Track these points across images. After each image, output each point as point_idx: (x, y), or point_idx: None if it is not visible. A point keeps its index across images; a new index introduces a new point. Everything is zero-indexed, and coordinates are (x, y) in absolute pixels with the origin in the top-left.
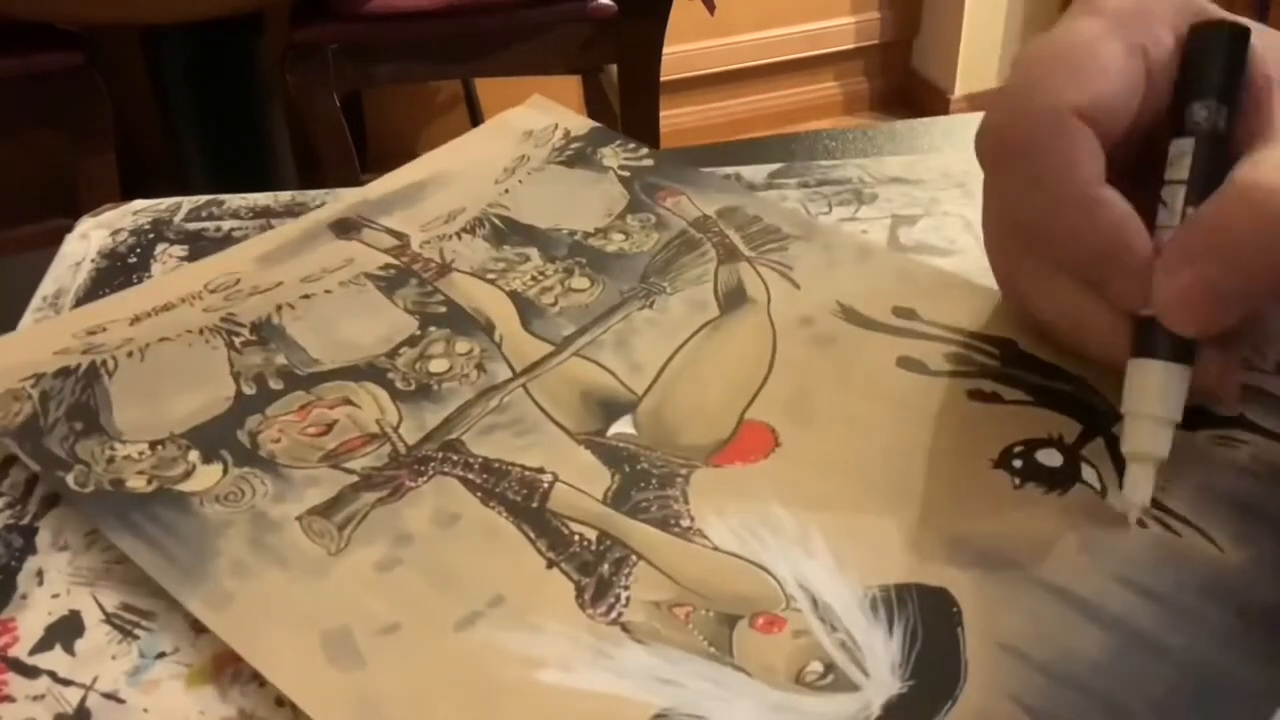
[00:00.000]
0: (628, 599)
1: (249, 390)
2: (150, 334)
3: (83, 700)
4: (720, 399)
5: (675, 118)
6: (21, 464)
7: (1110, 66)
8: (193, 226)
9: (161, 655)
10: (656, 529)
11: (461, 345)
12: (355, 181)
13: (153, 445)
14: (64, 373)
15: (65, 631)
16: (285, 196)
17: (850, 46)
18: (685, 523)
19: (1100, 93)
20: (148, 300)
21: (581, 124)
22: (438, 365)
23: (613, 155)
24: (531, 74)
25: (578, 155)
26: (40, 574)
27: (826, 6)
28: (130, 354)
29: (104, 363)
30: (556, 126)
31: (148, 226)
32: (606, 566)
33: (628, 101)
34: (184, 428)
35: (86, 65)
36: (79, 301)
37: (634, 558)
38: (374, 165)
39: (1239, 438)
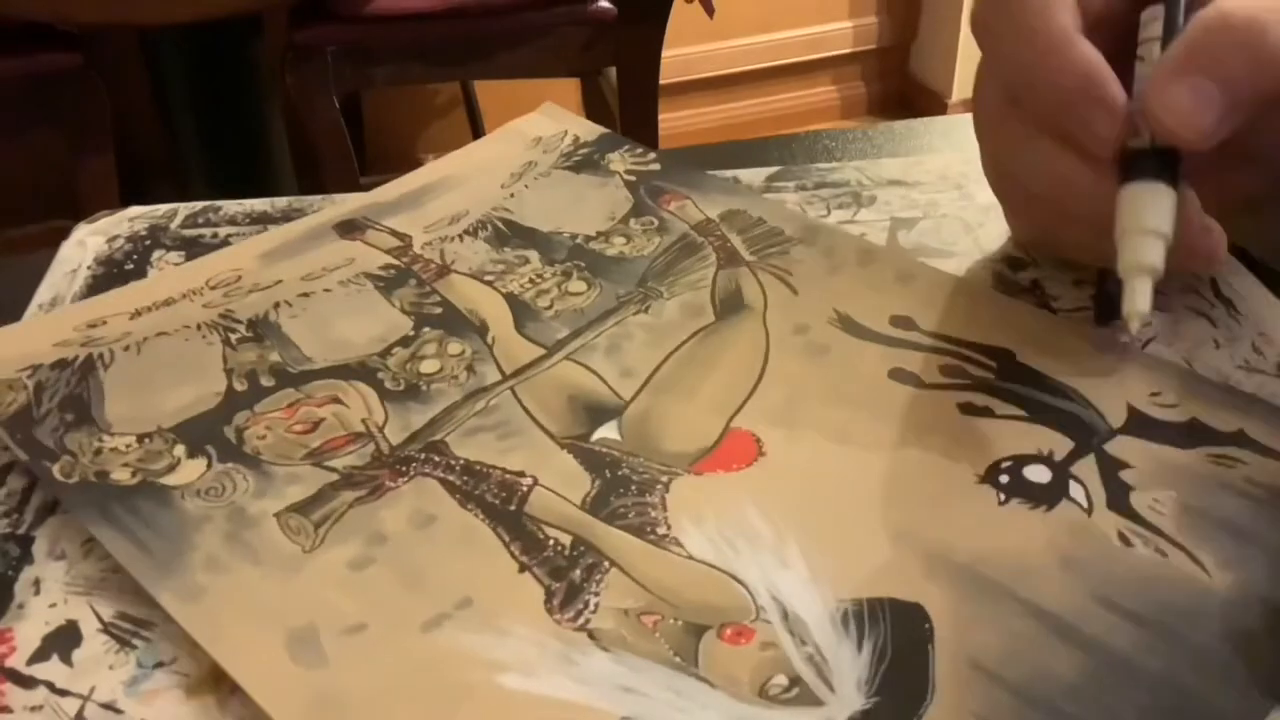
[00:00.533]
0: (596, 605)
1: (240, 387)
2: (149, 328)
3: (80, 710)
4: (707, 406)
5: (674, 121)
6: (19, 472)
7: None
8: (189, 233)
9: (160, 665)
10: (632, 536)
11: (454, 347)
12: (354, 184)
13: (140, 438)
14: (61, 364)
15: (63, 641)
16: (282, 202)
17: (848, 51)
18: (661, 530)
19: None
20: (149, 295)
21: (591, 130)
22: (429, 366)
23: (620, 160)
24: (530, 76)
25: (585, 160)
26: (37, 583)
27: (825, 11)
28: (127, 348)
29: (100, 356)
30: (566, 133)
31: (144, 233)
32: (578, 572)
33: (627, 104)
34: (172, 422)
35: (86, 66)
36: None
37: (607, 564)
38: (373, 167)
39: (1237, 457)
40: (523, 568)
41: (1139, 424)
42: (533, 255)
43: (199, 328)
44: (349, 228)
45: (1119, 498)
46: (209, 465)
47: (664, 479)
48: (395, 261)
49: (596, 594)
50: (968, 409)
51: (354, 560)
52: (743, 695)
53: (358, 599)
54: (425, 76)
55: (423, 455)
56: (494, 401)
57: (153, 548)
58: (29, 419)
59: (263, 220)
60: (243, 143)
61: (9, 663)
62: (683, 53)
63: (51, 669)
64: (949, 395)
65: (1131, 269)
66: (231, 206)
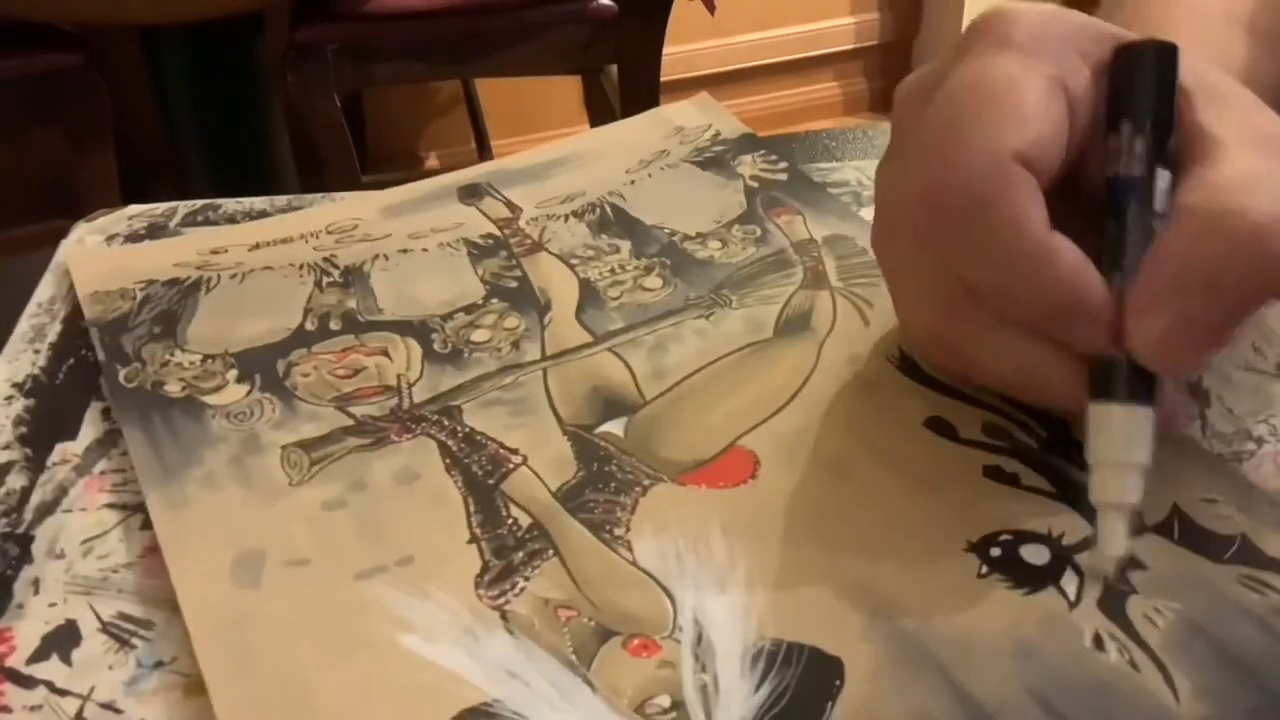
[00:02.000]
0: (522, 590)
1: (310, 326)
2: (259, 262)
3: (80, 710)
4: (721, 421)
5: None
6: (17, 471)
7: (1038, 105)
8: (188, 231)
9: (159, 664)
10: (588, 531)
11: (510, 321)
12: (356, 182)
13: (205, 358)
14: (173, 283)
15: (62, 641)
16: (281, 201)
17: (850, 47)
18: (619, 531)
19: (1036, 134)
20: (272, 232)
21: (735, 128)
22: (479, 335)
23: (750, 164)
24: (532, 74)
25: (715, 159)
26: (36, 583)
27: (826, 7)
28: (234, 276)
29: (208, 280)
30: (709, 127)
31: (143, 231)
32: (520, 555)
33: (628, 102)
34: (237, 349)
35: (87, 65)
36: (74, 308)
37: (551, 552)
38: (374, 166)
39: (1273, 585)
40: (472, 539)
41: (1178, 527)
42: (625, 246)
43: (301, 268)
44: (470, 192)
45: (1114, 599)
46: (249, 391)
47: (645, 483)
48: (497, 232)
49: (527, 579)
50: (992, 473)
51: (328, 501)
52: (619, 707)
53: (313, 537)
54: (426, 75)
55: (434, 416)
56: (523, 379)
57: (166, 455)
58: (123, 325)
59: (261, 219)
60: (244, 141)
61: (8, 662)
62: (684, 50)
63: (51, 669)
64: (979, 455)
65: (1108, 508)
66: (231, 205)
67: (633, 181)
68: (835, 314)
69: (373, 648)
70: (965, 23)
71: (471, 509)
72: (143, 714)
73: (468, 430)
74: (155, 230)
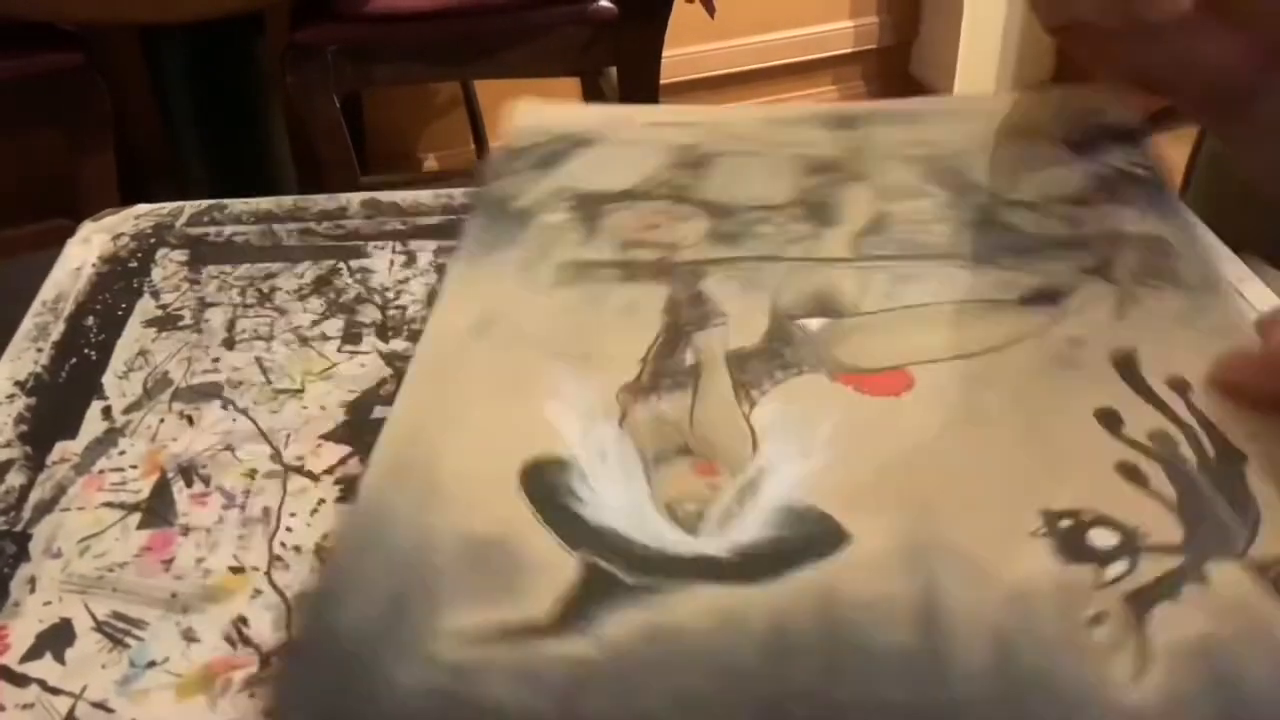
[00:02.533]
0: (648, 400)
1: (645, 189)
2: (646, 136)
3: (71, 709)
4: (904, 347)
5: None
6: (17, 469)
7: None
8: (194, 231)
9: (152, 664)
10: (730, 385)
11: (798, 226)
12: (355, 183)
13: (561, 189)
14: (574, 136)
15: (56, 640)
16: (288, 201)
17: (849, 51)
18: (755, 393)
19: None
20: (669, 116)
21: (1123, 119)
22: (763, 228)
23: (1119, 156)
24: (531, 76)
25: (1085, 141)
26: (32, 581)
27: (826, 10)
28: (621, 141)
29: (602, 139)
30: (1097, 112)
31: (149, 231)
32: (668, 381)
33: (627, 103)
34: (584, 189)
35: (86, 65)
36: (79, 306)
37: (690, 388)
38: (373, 166)
39: None
40: (643, 359)
41: None
42: (941, 196)
43: (671, 146)
44: (844, 122)
45: (1143, 604)
46: (568, 219)
47: (805, 368)
48: (838, 157)
49: (659, 398)
50: (1125, 469)
51: (563, 305)
52: (654, 504)
53: (540, 322)
54: (426, 76)
55: (684, 272)
56: (771, 267)
57: (486, 241)
58: (519, 155)
59: (268, 219)
60: (243, 142)
61: (2, 660)
62: (684, 52)
63: (44, 667)
64: (1125, 451)
65: None
66: (237, 205)
67: (992, 146)
68: (1093, 299)
69: (526, 400)
70: (964, 28)
71: (659, 341)
72: (134, 714)
73: (699, 290)
74: (161, 230)
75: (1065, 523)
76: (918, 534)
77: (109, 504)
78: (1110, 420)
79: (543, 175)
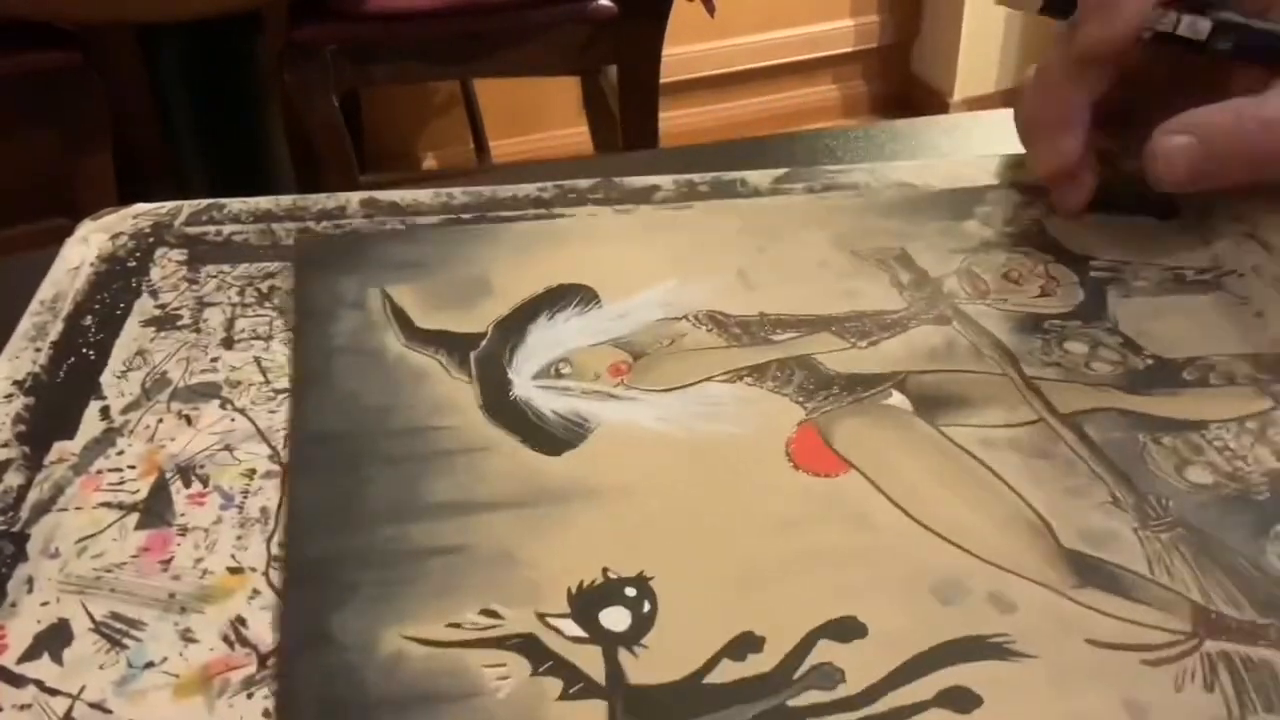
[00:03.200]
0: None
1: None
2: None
3: (69, 710)
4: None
5: (674, 119)
6: (14, 469)
7: None
8: (193, 230)
9: (150, 665)
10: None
11: (1104, 364)
12: (353, 183)
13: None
14: None
15: (54, 640)
16: (286, 201)
17: (850, 49)
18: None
19: None
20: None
21: None
22: (1075, 346)
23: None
24: (531, 75)
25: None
26: (30, 581)
27: (826, 9)
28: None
29: None
30: None
31: (148, 230)
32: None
33: (627, 103)
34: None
35: (84, 64)
36: (77, 306)
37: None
38: (372, 166)
39: None
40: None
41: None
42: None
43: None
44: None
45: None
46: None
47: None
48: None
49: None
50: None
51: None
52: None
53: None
54: (425, 75)
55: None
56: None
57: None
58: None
59: (267, 219)
60: (241, 141)
61: (0, 660)
62: (683, 51)
63: (41, 668)
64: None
65: None
66: (235, 204)
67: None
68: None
69: None
70: (964, 27)
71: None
72: (131, 714)
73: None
74: (160, 229)
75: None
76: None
77: (107, 504)
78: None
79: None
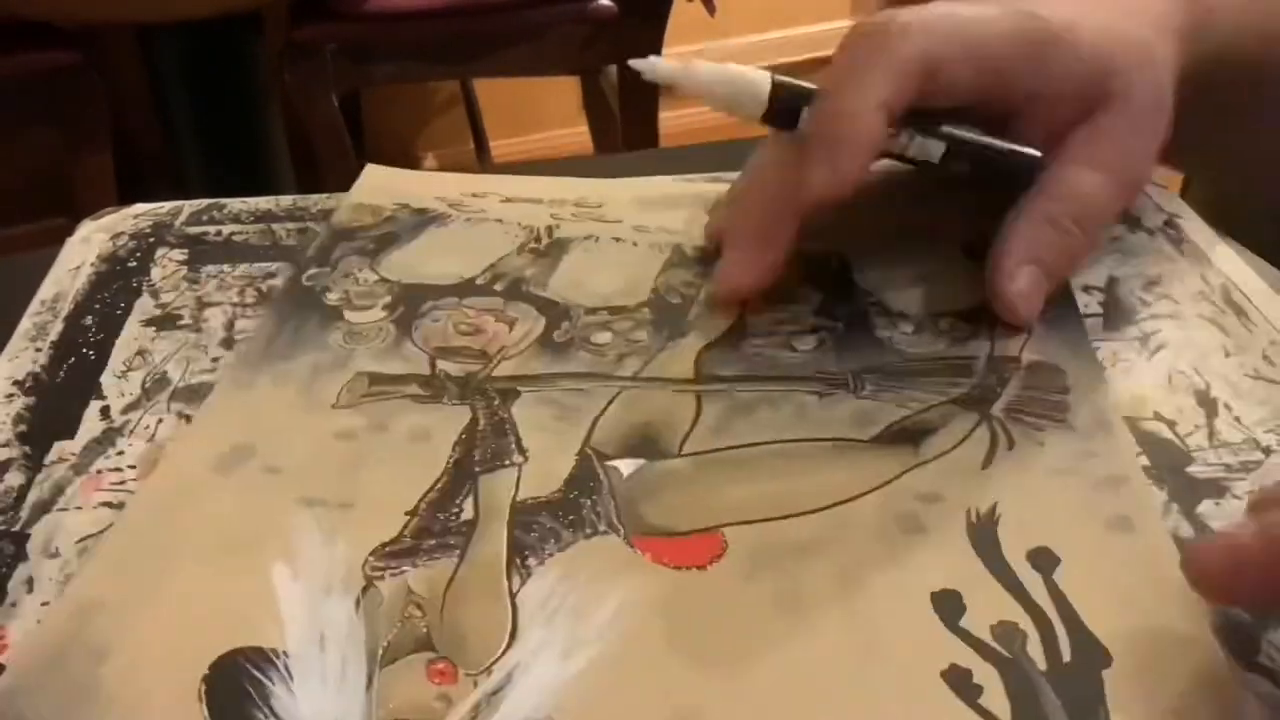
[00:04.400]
0: (400, 573)
1: (482, 280)
2: (499, 213)
3: None
4: (724, 502)
5: (674, 119)
6: (15, 469)
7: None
8: (194, 230)
9: None
10: (509, 550)
11: (639, 335)
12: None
13: (380, 280)
14: (421, 212)
15: None
16: (286, 201)
17: None
18: (532, 561)
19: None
20: (530, 190)
21: None
22: (601, 337)
23: None
24: (530, 75)
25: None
26: (31, 582)
27: (826, 9)
28: (469, 220)
29: (449, 218)
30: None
31: (148, 230)
32: (431, 543)
33: (627, 102)
34: (410, 280)
35: (84, 64)
36: (77, 306)
37: (458, 553)
38: None
39: None
40: (412, 512)
41: None
42: (815, 299)
43: (523, 227)
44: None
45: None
46: (385, 315)
47: (601, 528)
48: (710, 249)
49: (415, 566)
50: (954, 678)
51: (343, 430)
52: (365, 710)
53: (302, 455)
54: (425, 75)
55: (491, 393)
56: (595, 390)
57: (273, 347)
58: (350, 236)
59: (267, 218)
60: (241, 141)
61: (1, 660)
62: (683, 51)
63: None
64: (959, 651)
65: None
66: (235, 204)
67: (883, 244)
68: (962, 442)
69: (248, 560)
70: None
71: (436, 485)
72: None
73: (504, 416)
74: (160, 229)
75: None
76: None
77: (107, 504)
78: (949, 607)
79: (368, 262)
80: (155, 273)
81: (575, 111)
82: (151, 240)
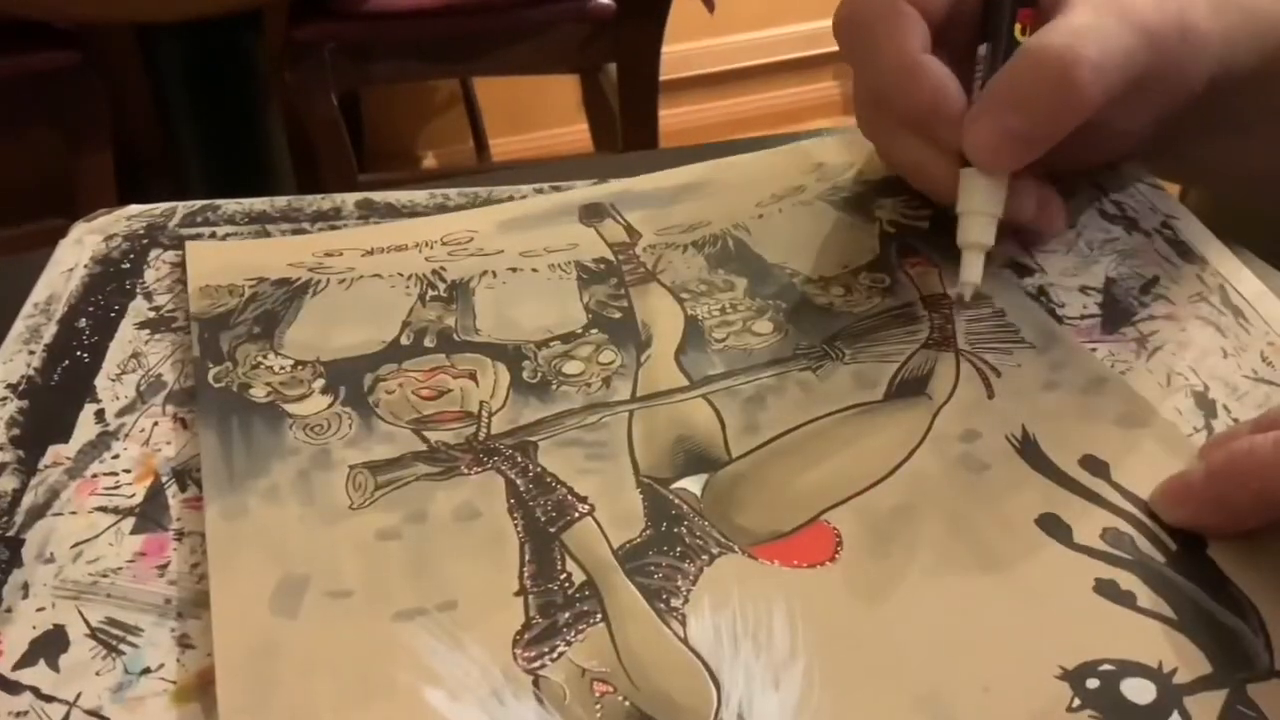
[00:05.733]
0: (560, 654)
1: (405, 341)
2: (370, 269)
3: (65, 717)
4: (807, 491)
5: (674, 117)
6: (9, 474)
7: None
8: (187, 231)
9: (146, 671)
10: (643, 598)
11: (607, 355)
12: (352, 182)
13: (296, 364)
14: (283, 283)
15: (50, 646)
16: (281, 201)
17: None
18: (676, 602)
19: None
20: (388, 237)
21: (879, 169)
22: (572, 367)
23: (889, 208)
24: (530, 73)
25: (853, 199)
26: (25, 587)
27: (826, 5)
28: (342, 281)
29: (317, 283)
30: (852, 165)
31: (142, 231)
32: (567, 615)
33: (627, 101)
34: (329, 357)
35: (84, 64)
36: (71, 308)
37: (598, 617)
38: (371, 165)
39: None
40: (521, 591)
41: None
42: (741, 284)
43: (409, 278)
44: (591, 212)
45: None
46: (331, 404)
47: (715, 550)
48: (611, 257)
49: (569, 644)
50: (1106, 588)
51: (384, 530)
52: None
53: (361, 568)
54: (424, 74)
55: (508, 451)
56: (607, 419)
57: (235, 462)
58: (225, 323)
59: (261, 219)
60: (241, 140)
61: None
62: (683, 48)
63: (38, 674)
64: (1093, 565)
65: (965, 244)
66: (230, 205)
67: (761, 216)
68: (957, 380)
69: (394, 698)
70: None
71: (526, 558)
72: None
73: (539, 470)
74: (154, 230)
75: (1092, 683)
76: None
77: (102, 508)
78: (1058, 529)
79: (267, 344)
80: (149, 275)
81: (575, 110)
82: (145, 242)
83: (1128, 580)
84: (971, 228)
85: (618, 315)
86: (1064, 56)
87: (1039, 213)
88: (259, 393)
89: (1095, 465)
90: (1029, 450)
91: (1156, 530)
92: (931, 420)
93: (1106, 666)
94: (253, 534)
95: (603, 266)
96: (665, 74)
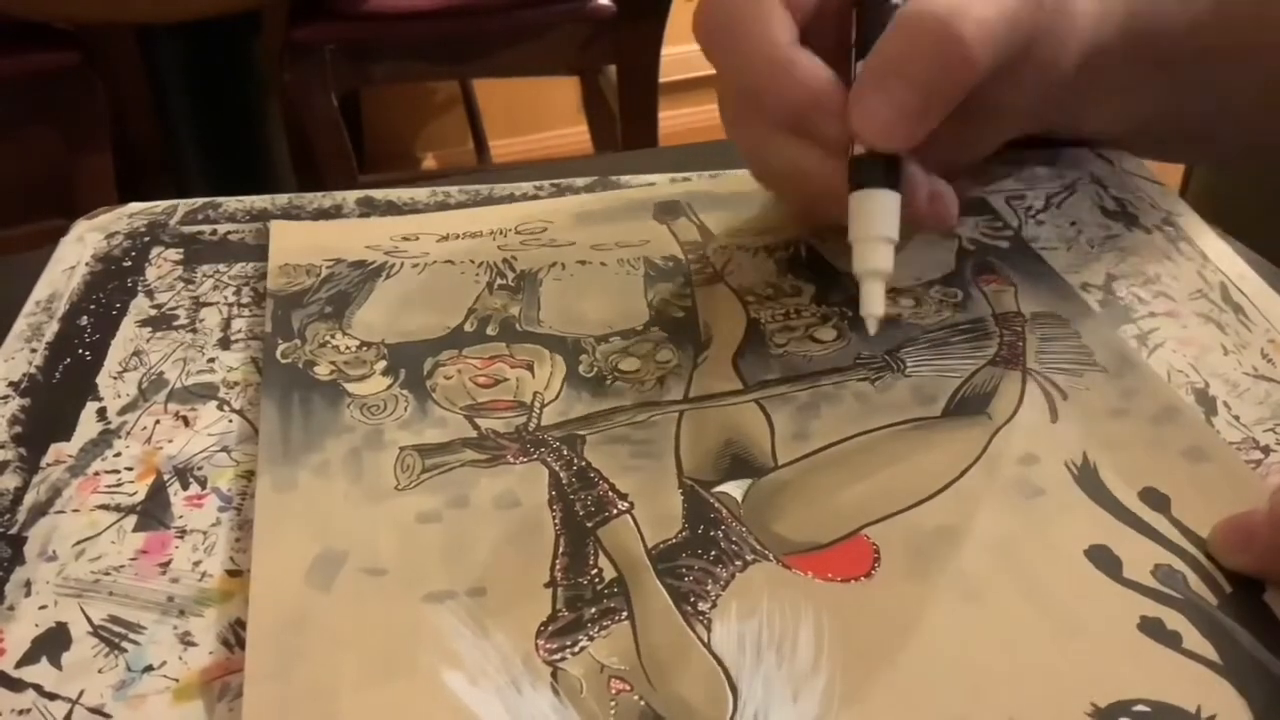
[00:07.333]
0: (581, 649)
1: (469, 328)
2: (444, 254)
3: (68, 715)
4: (851, 503)
5: (674, 118)
6: (11, 472)
7: None
8: (188, 229)
9: (149, 669)
10: (672, 599)
11: (664, 354)
12: (352, 182)
13: (361, 345)
14: (359, 265)
15: (52, 644)
16: (282, 199)
17: None
18: (704, 606)
19: None
20: (465, 224)
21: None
22: (628, 364)
23: (970, 226)
24: (530, 75)
25: None
26: (28, 585)
27: None
28: (415, 265)
29: (391, 266)
30: None
31: (143, 229)
32: (593, 610)
33: (626, 102)
34: (394, 340)
35: (83, 64)
36: (73, 306)
37: (624, 614)
38: (371, 165)
39: None
40: (551, 583)
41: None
42: (808, 290)
43: (480, 265)
44: (666, 210)
45: None
46: (389, 385)
47: (749, 557)
48: (680, 255)
49: (591, 639)
50: (1150, 627)
51: (425, 513)
52: None
53: (398, 547)
54: (424, 75)
55: (555, 443)
56: (656, 418)
57: (291, 436)
58: (298, 301)
59: (262, 217)
60: (240, 141)
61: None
62: (683, 50)
63: (40, 672)
64: (1140, 602)
65: (864, 274)
66: (231, 203)
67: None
68: (1021, 401)
69: (414, 678)
70: None
71: (560, 550)
72: (130, 719)
73: (583, 464)
74: (155, 228)
75: None
76: None
77: (104, 506)
78: (1108, 562)
79: (336, 324)
80: (150, 272)
81: (575, 111)
82: (146, 239)
83: (1175, 620)
84: (868, 255)
85: (680, 314)
86: (945, 16)
87: (929, 207)
88: (322, 370)
89: (1156, 499)
90: (1086, 478)
91: (1212, 570)
92: (989, 440)
93: (1141, 707)
94: (300, 507)
95: (671, 264)
96: (665, 76)
